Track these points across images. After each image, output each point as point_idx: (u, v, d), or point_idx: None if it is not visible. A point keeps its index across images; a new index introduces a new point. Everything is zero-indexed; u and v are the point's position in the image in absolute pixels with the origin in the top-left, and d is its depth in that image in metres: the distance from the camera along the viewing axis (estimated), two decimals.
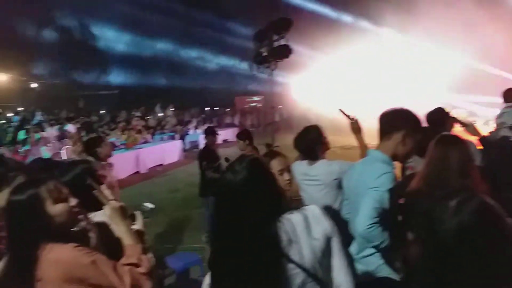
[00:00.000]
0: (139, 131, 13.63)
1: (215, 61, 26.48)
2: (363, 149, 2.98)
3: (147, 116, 19.15)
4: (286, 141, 9.20)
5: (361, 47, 18.59)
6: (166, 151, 13.43)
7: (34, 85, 26.65)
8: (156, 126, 16.36)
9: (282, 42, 7.38)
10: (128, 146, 12.01)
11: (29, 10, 19.11)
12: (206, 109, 24.93)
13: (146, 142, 13.42)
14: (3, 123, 15.10)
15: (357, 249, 2.23)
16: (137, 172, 11.61)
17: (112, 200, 1.86)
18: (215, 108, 25.45)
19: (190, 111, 22.51)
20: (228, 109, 25.22)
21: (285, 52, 7.31)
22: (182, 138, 15.63)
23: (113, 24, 23.26)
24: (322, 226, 1.52)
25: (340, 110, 3.28)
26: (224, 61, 26.54)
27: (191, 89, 26.52)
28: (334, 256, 1.53)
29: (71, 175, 2.13)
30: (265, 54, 7.58)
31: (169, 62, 24.74)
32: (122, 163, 10.25)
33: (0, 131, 13.13)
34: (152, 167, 12.32)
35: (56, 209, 1.68)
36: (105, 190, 1.86)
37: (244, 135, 5.33)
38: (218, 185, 1.55)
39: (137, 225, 2.09)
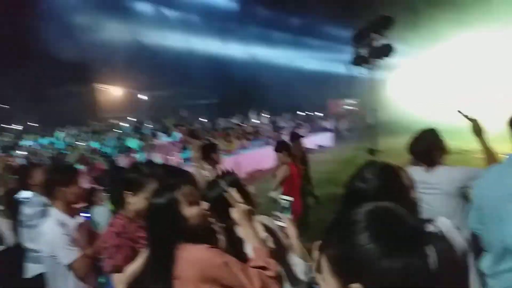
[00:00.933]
0: (238, 137, 14.19)
1: (308, 64, 26.34)
2: (488, 152, 2.72)
3: (244, 123, 19.84)
4: (388, 145, 8.83)
5: (464, 41, 17.03)
6: (264, 156, 13.75)
7: (143, 96, 29.44)
8: (252, 132, 16.84)
9: (383, 41, 7.08)
10: (228, 152, 12.57)
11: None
12: (298, 113, 24.96)
13: (244, 148, 13.91)
14: (119, 133, 16.89)
15: (492, 263, 2.01)
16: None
17: (241, 202, 1.92)
18: (308, 113, 25.38)
19: (283, 116, 22.77)
20: (321, 113, 24.97)
21: (386, 51, 6.99)
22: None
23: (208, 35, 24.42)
24: (457, 240, 1.41)
25: (459, 111, 3.04)
26: (316, 64, 26.29)
27: (283, 94, 26.77)
28: (470, 271, 1.41)
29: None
30: (364, 54, 7.34)
31: (262, 67, 25.26)
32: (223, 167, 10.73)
33: (117, 140, 14.60)
34: (250, 172, 12.71)
35: (190, 211, 1.80)
36: (234, 193, 1.94)
37: (280, 146, 5.15)
38: (346, 194, 1.51)
39: (283, 223, 2.12)
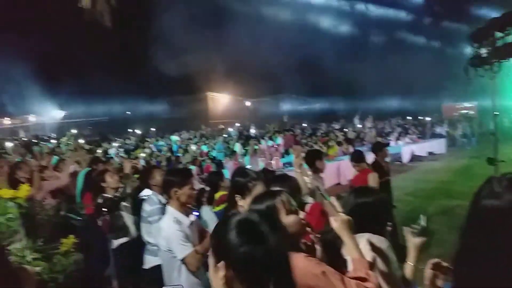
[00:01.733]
0: (339, 143, 13.91)
1: (417, 66, 24.63)
2: None
3: (346, 128, 19.37)
4: (509, 154, 7.81)
5: None
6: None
7: (248, 103, 30.70)
8: (355, 138, 16.36)
9: (508, 39, 6.30)
10: (329, 157, 12.40)
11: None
12: (408, 118, 23.49)
13: (346, 154, 13.57)
14: (225, 137, 17.88)
15: None
16: (338, 184, 11.82)
17: (341, 211, 1.89)
18: (418, 118, 23.73)
19: (390, 121, 21.65)
20: (431, 118, 23.16)
21: (510, 51, 6.21)
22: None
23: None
24: None
25: None
26: (427, 65, 24.43)
27: (390, 98, 25.54)
28: None
29: None
30: (485, 54, 6.61)
31: (367, 70, 24.37)
32: (324, 174, 10.61)
33: (223, 144, 15.47)
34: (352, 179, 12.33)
35: (288, 219, 1.82)
36: (335, 202, 1.93)
37: (356, 157, 4.92)
38: (473, 212, 1.32)
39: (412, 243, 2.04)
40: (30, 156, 8.81)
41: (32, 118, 28.87)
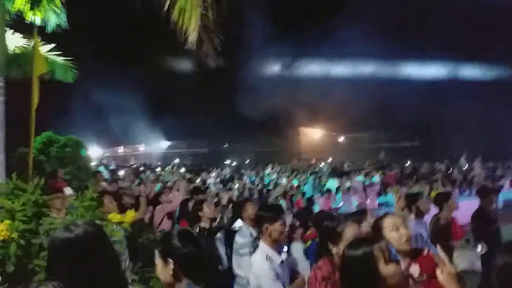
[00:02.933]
0: (444, 185, 12.76)
1: None
2: None
3: (452, 168, 17.79)
4: None
5: None
6: (471, 208, 11.88)
7: (341, 138, 30.17)
8: (462, 180, 14.87)
9: None
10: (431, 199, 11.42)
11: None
12: None
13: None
14: (316, 172, 17.59)
15: None
16: None
17: (448, 264, 1.70)
18: None
19: (505, 163, 19.31)
20: None
21: None
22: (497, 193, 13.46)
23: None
24: None
25: None
26: None
27: (503, 138, 22.81)
28: None
29: None
30: None
31: (474, 107, 22.26)
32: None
33: (313, 180, 15.09)
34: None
35: (388, 269, 1.68)
36: (441, 253, 1.73)
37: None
38: None
39: None
40: (139, 182, 9.66)
41: (141, 148, 32.05)
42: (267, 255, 2.90)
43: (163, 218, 6.08)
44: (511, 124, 20.45)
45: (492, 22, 18.24)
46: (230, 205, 6.30)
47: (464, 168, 17.98)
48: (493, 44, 18.56)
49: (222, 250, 4.30)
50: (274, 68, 19.99)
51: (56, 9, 5.64)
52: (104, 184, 7.45)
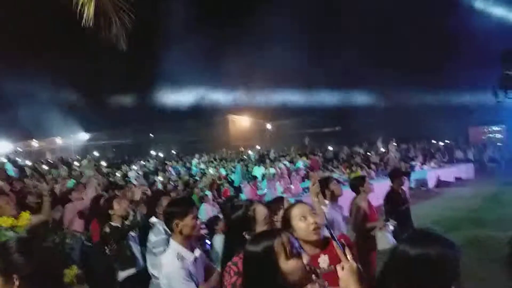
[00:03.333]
0: (361, 167, 13.52)
1: (443, 90, 24.00)
2: None
3: (370, 152, 18.92)
4: None
5: None
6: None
7: (268, 125, 30.64)
8: (378, 162, 15.90)
9: None
10: None
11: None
12: (433, 142, 22.83)
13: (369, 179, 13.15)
14: (244, 160, 17.67)
15: None
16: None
17: (350, 259, 1.62)
18: (445, 141, 23.03)
19: (415, 145, 21.05)
20: (457, 142, 22.46)
21: None
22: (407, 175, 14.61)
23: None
24: None
25: None
26: (455, 88, 23.76)
27: (415, 121, 24.82)
28: None
29: None
30: None
31: (389, 93, 23.90)
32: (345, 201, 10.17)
33: (241, 168, 15.14)
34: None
35: (288, 265, 1.56)
36: (347, 249, 1.66)
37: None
38: None
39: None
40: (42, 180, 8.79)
41: (58, 141, 29.67)
42: (177, 254, 2.72)
43: (74, 218, 5.60)
44: (423, 108, 22.32)
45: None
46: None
47: (380, 151, 19.21)
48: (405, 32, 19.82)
49: (136, 249, 4.02)
50: (198, 55, 19.43)
51: None
52: (0, 183, 6.66)
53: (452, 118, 22.54)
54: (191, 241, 2.89)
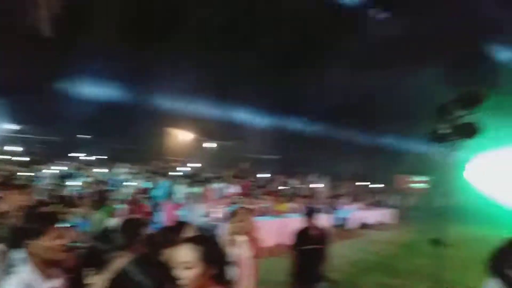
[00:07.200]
0: (291, 199, 13.38)
1: (376, 137, 25.07)
2: None
3: (302, 185, 18.99)
4: (458, 234, 7.51)
5: None
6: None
7: (207, 144, 30.04)
8: (308, 196, 15.92)
9: (469, 119, 6.15)
10: (277, 213, 11.78)
11: None
12: (358, 184, 23.57)
13: (296, 212, 12.98)
14: (173, 176, 16.68)
15: None
16: (279, 244, 10.95)
17: None
18: (373, 184, 23.90)
19: (344, 185, 21.56)
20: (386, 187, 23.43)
21: (471, 131, 6.05)
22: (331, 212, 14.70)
23: None
24: None
25: None
26: (390, 135, 24.91)
27: (348, 161, 25.61)
28: None
29: None
30: (444, 131, 6.42)
31: (330, 135, 24.52)
32: (266, 231, 9.81)
33: (167, 185, 14.04)
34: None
35: None
36: None
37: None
38: None
39: None
40: None
41: None
42: (25, 283, 2.13)
43: None
44: (358, 149, 23.10)
45: None
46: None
47: (312, 186, 19.40)
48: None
49: None
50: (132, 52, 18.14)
51: None
52: None
53: (383, 163, 23.57)
54: (54, 267, 2.32)
